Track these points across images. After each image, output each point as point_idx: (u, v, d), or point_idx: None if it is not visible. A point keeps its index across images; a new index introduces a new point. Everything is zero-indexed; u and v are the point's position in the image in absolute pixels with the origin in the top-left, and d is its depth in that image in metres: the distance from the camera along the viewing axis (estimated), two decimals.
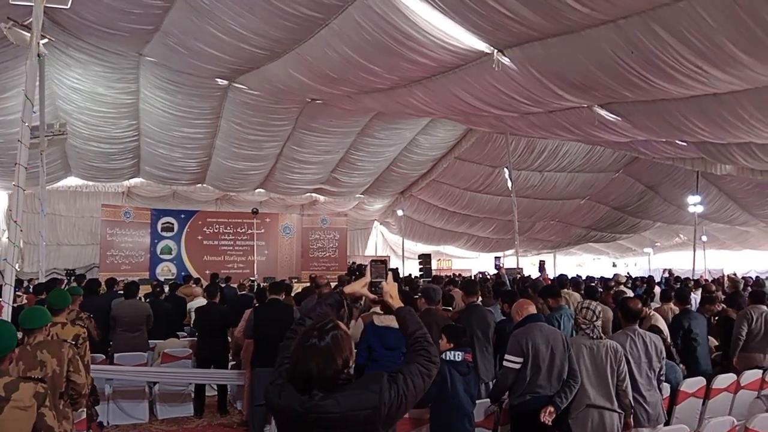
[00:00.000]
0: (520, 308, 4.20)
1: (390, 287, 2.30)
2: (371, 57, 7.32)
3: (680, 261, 26.64)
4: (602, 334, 3.94)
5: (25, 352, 3.46)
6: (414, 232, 22.82)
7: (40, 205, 9.60)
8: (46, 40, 7.24)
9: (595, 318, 3.90)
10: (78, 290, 6.12)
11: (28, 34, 6.43)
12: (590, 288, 7.81)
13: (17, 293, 7.70)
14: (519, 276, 12.92)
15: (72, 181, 16.38)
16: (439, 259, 26.91)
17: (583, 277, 12.61)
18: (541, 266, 17.96)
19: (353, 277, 12.45)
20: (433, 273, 19.36)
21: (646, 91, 6.34)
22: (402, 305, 2.31)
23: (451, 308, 6.44)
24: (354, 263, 19.83)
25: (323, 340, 1.85)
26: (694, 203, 16.86)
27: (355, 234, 23.78)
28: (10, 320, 4.36)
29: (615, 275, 11.59)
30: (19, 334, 3.14)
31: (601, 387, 3.79)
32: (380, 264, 2.35)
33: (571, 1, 4.80)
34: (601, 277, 13.90)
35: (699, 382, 5.15)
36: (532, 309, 4.18)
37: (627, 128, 8.34)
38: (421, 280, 15.92)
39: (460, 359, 3.87)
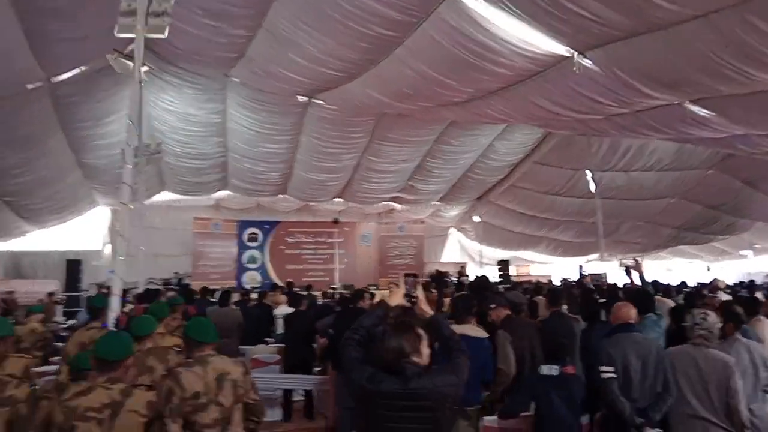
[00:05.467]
0: (619, 312, 4.05)
1: (422, 297, 2.83)
2: (447, 71, 7.36)
3: None
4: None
5: (135, 358, 3.70)
6: (491, 238, 22.44)
7: (139, 220, 10.36)
8: (146, 68, 7.87)
9: (714, 327, 3.71)
10: (179, 300, 6.52)
11: (131, 63, 7.01)
12: (689, 295, 7.31)
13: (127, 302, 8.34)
14: (605, 284, 12.36)
15: (165, 196, 17.50)
16: (518, 265, 26.29)
17: (676, 284, 11.85)
18: (628, 271, 16.93)
19: (434, 283, 12.41)
20: (512, 279, 18.98)
21: (744, 84, 5.93)
22: (433, 313, 2.81)
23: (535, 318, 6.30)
24: (437, 271, 19.62)
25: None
26: None
27: (431, 241, 23.73)
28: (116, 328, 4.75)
29: (714, 280, 10.83)
30: None
31: (706, 399, 3.61)
32: (412, 276, 2.94)
33: None
34: (698, 284, 13.03)
35: None
36: (631, 314, 4.00)
37: (722, 123, 7.84)
38: (500, 286, 15.67)
39: (556, 373, 3.78)
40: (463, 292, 7.87)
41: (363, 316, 2.76)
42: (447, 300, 7.59)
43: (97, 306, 4.90)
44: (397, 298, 2.83)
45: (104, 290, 11.27)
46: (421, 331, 2.49)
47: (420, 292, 2.84)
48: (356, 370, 2.45)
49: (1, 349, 3.43)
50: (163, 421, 2.84)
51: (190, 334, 3.24)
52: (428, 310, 2.81)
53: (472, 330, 4.26)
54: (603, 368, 3.73)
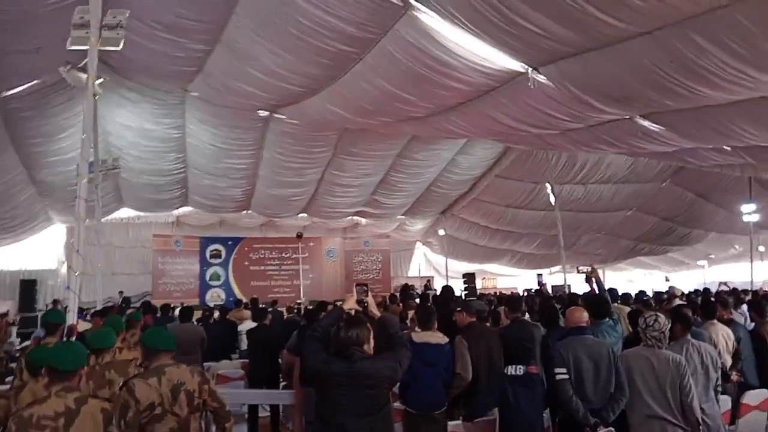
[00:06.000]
0: (571, 317, 4.14)
1: (371, 301, 3.40)
2: (406, 86, 7.46)
3: (737, 273, 25.45)
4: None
5: (94, 371, 3.62)
6: (457, 252, 22.67)
7: (96, 237, 10.10)
8: (101, 80, 7.73)
9: (665, 328, 3.82)
10: (137, 316, 6.37)
11: (85, 76, 6.88)
12: (644, 302, 7.53)
13: (84, 320, 8.08)
14: (565, 293, 12.59)
15: (125, 213, 17.12)
16: (484, 278, 26.57)
17: (634, 293, 12.18)
18: (588, 279, 17.23)
19: (399, 295, 12.44)
20: (479, 292, 19.14)
21: (688, 99, 6.20)
22: (381, 314, 3.45)
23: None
24: (406, 285, 19.61)
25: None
26: (748, 212, 16.19)
27: (397, 255, 23.81)
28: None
29: (670, 288, 11.17)
30: None
31: (662, 399, 3.70)
32: (362, 286, 3.46)
33: (600, 14, 4.80)
34: (655, 292, 13.41)
35: (763, 394, 4.94)
36: (583, 318, 4.09)
37: (672, 137, 8.17)
38: (466, 298, 15.79)
39: (521, 373, 3.85)
40: (426, 303, 7.95)
41: (322, 317, 3.31)
42: (411, 312, 7.64)
43: (53, 322, 4.74)
44: (350, 303, 3.32)
45: (60, 307, 10.92)
46: (369, 326, 3.03)
47: (370, 298, 3.37)
48: (313, 356, 2.99)
49: None
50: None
51: (147, 342, 3.27)
52: (377, 312, 3.39)
53: (433, 337, 4.40)
54: (556, 369, 3.80)
